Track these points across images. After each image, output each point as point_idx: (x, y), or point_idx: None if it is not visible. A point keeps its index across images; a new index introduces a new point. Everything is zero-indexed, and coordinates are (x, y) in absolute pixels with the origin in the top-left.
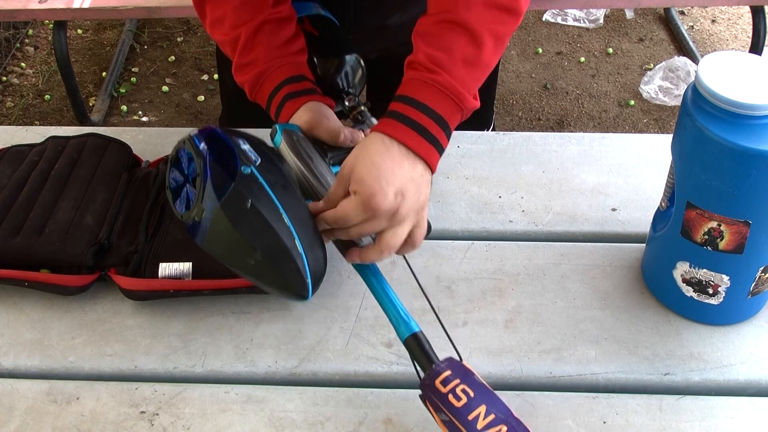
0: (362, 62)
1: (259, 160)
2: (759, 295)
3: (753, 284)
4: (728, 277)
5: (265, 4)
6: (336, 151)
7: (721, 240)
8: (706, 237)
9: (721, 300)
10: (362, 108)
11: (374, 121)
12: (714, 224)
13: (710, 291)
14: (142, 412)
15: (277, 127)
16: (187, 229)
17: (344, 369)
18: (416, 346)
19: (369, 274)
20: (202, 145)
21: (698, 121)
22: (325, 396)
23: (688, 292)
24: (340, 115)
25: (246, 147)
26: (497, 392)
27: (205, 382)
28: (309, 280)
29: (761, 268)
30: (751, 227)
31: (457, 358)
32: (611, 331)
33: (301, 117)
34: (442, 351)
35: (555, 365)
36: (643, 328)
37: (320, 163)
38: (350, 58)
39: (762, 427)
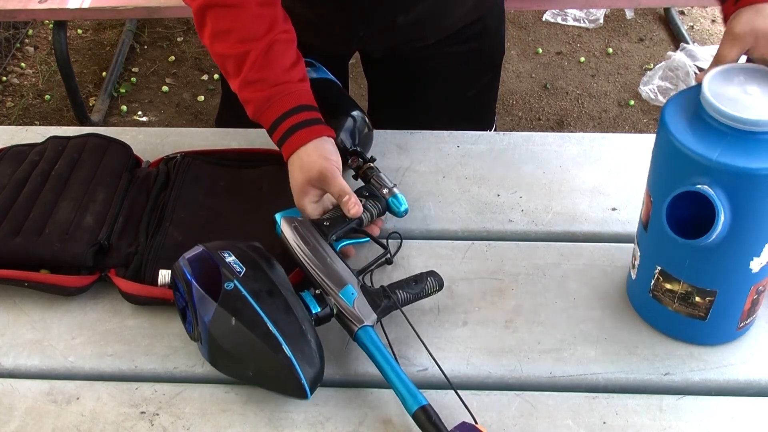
0: (368, 120)
1: (243, 270)
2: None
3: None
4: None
5: (277, 20)
6: (336, 229)
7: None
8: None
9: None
10: (370, 165)
11: (383, 177)
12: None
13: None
14: (142, 412)
15: (276, 217)
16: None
17: (344, 369)
18: (425, 419)
19: (374, 350)
20: (188, 271)
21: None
22: (325, 396)
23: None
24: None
25: (231, 259)
26: (497, 392)
27: (205, 382)
28: (305, 383)
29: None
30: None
31: (471, 421)
32: (611, 331)
33: (315, 164)
34: (441, 351)
35: (555, 365)
36: (643, 328)
37: (324, 245)
38: (357, 116)
39: (762, 427)
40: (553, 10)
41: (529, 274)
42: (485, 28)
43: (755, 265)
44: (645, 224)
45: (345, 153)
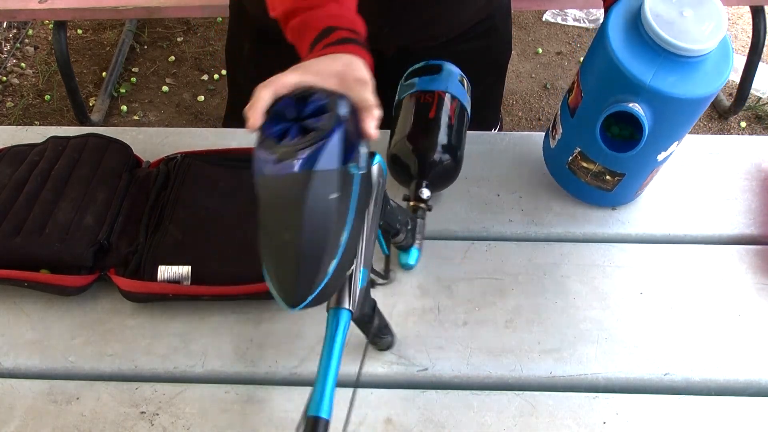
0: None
1: (365, 171)
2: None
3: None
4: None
5: None
6: (392, 219)
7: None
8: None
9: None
10: (424, 206)
11: (423, 226)
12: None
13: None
14: (142, 412)
15: (377, 155)
16: (257, 157)
17: (344, 369)
18: (310, 430)
19: (329, 337)
20: (344, 111)
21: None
22: None
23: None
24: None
25: (363, 151)
26: (497, 392)
27: (205, 382)
28: (310, 298)
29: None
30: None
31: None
32: (611, 331)
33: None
34: (441, 351)
35: (555, 365)
36: (643, 328)
37: (376, 220)
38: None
39: (762, 427)
40: (553, 10)
41: (529, 274)
42: (493, 27)
43: (661, 156)
44: (572, 110)
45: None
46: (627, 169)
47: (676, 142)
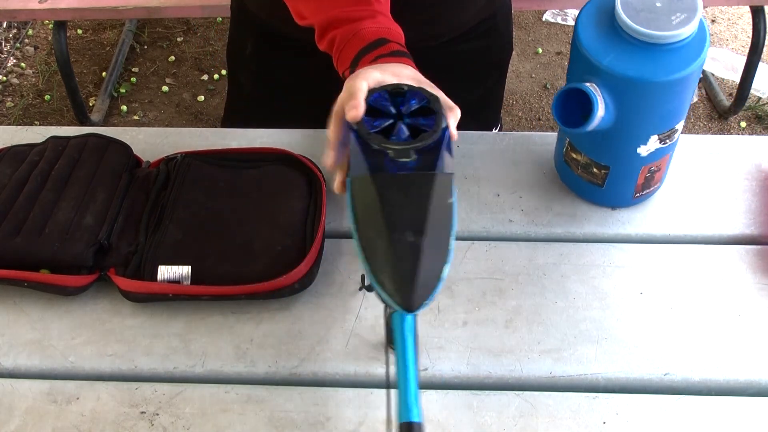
0: None
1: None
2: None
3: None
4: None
5: None
6: None
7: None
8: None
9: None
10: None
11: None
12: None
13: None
14: (142, 412)
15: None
16: (363, 152)
17: (344, 369)
18: None
19: (398, 339)
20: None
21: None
22: (325, 396)
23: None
24: None
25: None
26: (497, 392)
27: (205, 382)
28: (429, 300)
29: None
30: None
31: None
32: (611, 331)
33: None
34: (441, 351)
35: (555, 365)
36: (643, 328)
37: None
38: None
39: (762, 427)
40: (553, 10)
41: (529, 274)
42: (494, 27)
43: (642, 150)
44: None
45: None
46: (610, 161)
47: (656, 137)
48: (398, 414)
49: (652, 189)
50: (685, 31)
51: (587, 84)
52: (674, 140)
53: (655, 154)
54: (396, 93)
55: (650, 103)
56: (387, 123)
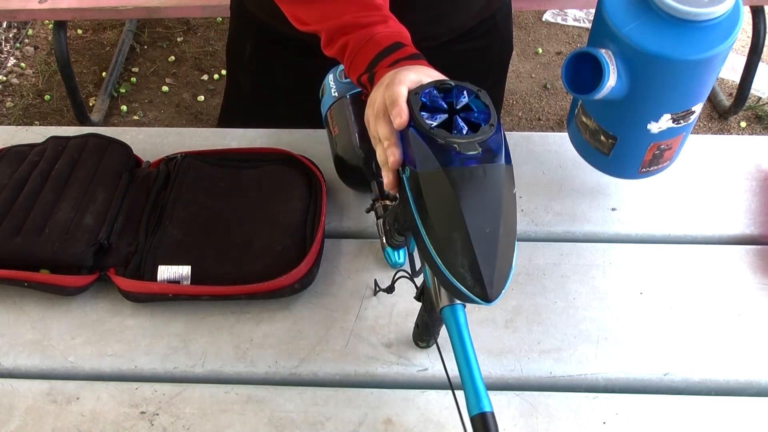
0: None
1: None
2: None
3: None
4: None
5: None
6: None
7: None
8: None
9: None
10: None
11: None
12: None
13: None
14: (142, 412)
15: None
16: (425, 147)
17: (344, 369)
18: (481, 427)
19: (455, 334)
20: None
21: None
22: (325, 396)
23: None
24: None
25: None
26: (497, 392)
27: (205, 382)
28: (504, 289)
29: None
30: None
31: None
32: (611, 331)
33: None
34: (441, 351)
35: (555, 365)
36: (643, 328)
37: None
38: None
39: (762, 427)
40: (553, 10)
41: (529, 274)
42: (494, 27)
43: (653, 127)
44: None
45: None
46: (618, 132)
47: (669, 116)
48: (468, 408)
49: (660, 166)
50: (717, 9)
51: (602, 50)
52: (690, 121)
53: (667, 133)
54: (443, 89)
55: (666, 80)
56: (444, 118)
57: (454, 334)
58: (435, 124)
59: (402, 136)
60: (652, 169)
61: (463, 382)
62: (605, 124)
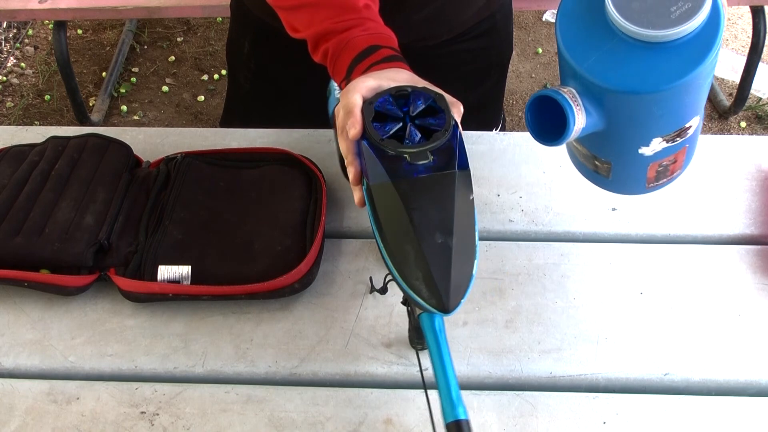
0: None
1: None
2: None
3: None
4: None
5: None
6: None
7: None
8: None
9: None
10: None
11: None
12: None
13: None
14: (142, 412)
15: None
16: (376, 159)
17: (344, 369)
18: None
19: (431, 340)
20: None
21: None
22: (325, 396)
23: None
24: None
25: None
26: (497, 392)
27: (205, 382)
28: (463, 300)
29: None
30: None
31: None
32: (611, 331)
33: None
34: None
35: (555, 365)
36: (643, 328)
37: None
38: None
39: (762, 427)
40: (553, 10)
41: (529, 274)
42: (494, 27)
43: (646, 151)
44: None
45: None
46: (610, 158)
47: (659, 138)
48: (443, 415)
49: (669, 178)
50: (687, 26)
51: (562, 90)
52: (688, 136)
53: (664, 152)
54: (400, 95)
55: (644, 112)
56: (397, 127)
57: (430, 341)
58: (388, 134)
59: (358, 148)
60: (660, 182)
61: (439, 388)
62: (595, 150)
